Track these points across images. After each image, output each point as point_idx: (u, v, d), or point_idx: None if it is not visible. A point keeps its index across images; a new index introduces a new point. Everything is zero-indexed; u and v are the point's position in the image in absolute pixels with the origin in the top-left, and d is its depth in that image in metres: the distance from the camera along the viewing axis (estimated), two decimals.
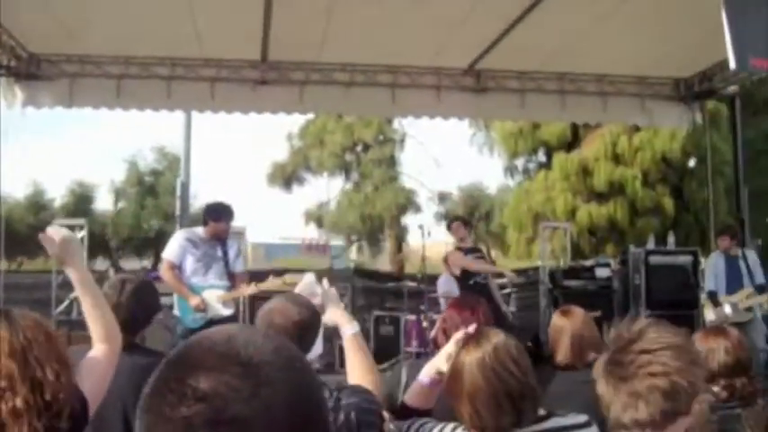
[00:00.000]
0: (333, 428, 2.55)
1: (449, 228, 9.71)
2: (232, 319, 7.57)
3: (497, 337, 2.65)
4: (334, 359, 10.44)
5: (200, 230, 7.58)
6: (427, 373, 2.79)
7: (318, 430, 1.10)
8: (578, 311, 3.79)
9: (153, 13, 8.37)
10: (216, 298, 7.39)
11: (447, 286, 11.37)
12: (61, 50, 9.62)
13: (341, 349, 7.26)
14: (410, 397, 2.87)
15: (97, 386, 2.63)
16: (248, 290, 7.53)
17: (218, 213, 7.51)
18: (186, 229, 7.93)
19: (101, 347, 2.70)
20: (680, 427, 2.07)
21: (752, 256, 9.77)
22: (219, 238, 7.50)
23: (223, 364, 1.04)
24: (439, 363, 2.74)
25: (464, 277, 9.22)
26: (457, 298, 3.92)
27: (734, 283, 9.60)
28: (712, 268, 9.93)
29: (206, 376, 1.03)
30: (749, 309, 9.37)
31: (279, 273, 7.77)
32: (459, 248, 9.48)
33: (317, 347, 3.01)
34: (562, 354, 3.61)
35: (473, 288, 8.87)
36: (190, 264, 7.39)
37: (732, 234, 9.87)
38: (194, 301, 7.24)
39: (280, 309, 2.92)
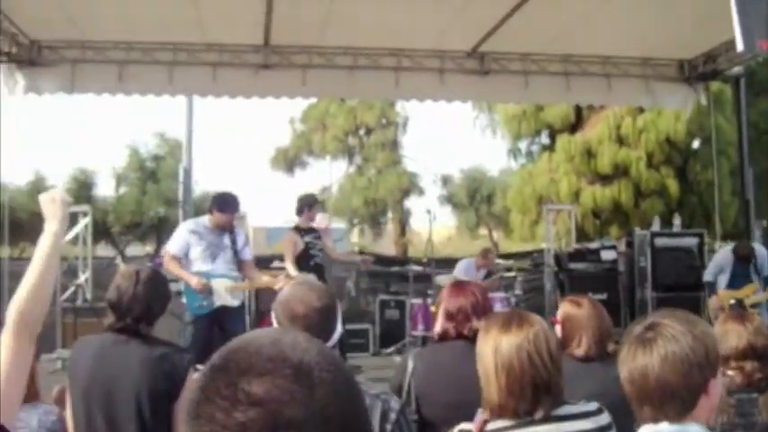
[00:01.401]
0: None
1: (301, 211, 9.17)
2: (239, 310, 7.56)
3: (540, 324, 2.67)
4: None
5: (204, 219, 7.59)
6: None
7: (364, 428, 1.12)
8: (590, 301, 3.76)
9: None
10: (225, 288, 7.39)
11: (464, 274, 11.36)
12: (62, 36, 9.57)
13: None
14: None
15: (4, 397, 2.16)
16: (274, 282, 7.44)
17: (224, 204, 7.52)
18: (191, 220, 7.93)
19: (6, 345, 2.24)
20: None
21: (761, 250, 9.68)
22: (224, 229, 7.50)
23: (274, 367, 1.03)
24: None
25: (304, 257, 8.93)
26: (455, 286, 3.87)
27: (740, 278, 9.53)
28: (719, 260, 9.88)
29: (259, 380, 1.02)
30: (754, 305, 9.28)
31: (281, 258, 7.77)
32: (297, 228, 9.16)
33: (338, 329, 2.99)
34: (584, 346, 3.57)
35: (312, 269, 8.71)
36: (196, 254, 7.39)
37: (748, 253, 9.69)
38: (196, 281, 7.22)
39: (299, 297, 2.88)
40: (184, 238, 7.46)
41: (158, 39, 9.72)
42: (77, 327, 10.21)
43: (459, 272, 11.27)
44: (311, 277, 8.14)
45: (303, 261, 8.81)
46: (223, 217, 7.44)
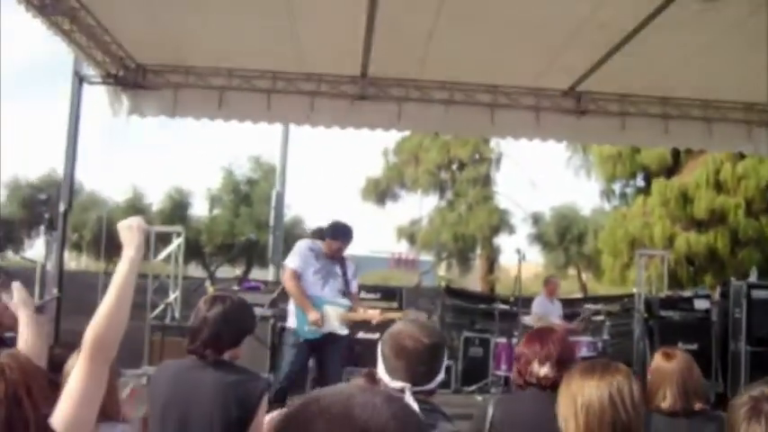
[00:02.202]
0: None
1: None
2: (342, 339, 7.50)
3: (625, 373, 2.66)
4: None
5: (320, 243, 7.56)
6: None
7: None
8: (683, 355, 3.66)
9: (256, 27, 8.50)
10: (336, 315, 7.36)
11: (541, 308, 11.27)
12: (167, 61, 9.86)
13: None
14: None
15: (76, 417, 2.28)
16: (371, 316, 7.44)
17: (338, 232, 7.52)
18: (307, 240, 7.88)
19: (82, 366, 2.35)
20: None
21: None
22: (334, 257, 7.48)
23: (336, 427, 1.02)
24: None
25: None
26: (529, 332, 3.81)
27: None
28: None
29: None
30: None
31: (369, 288, 7.76)
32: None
33: (442, 372, 2.95)
34: (669, 400, 3.48)
35: None
36: (309, 275, 7.36)
37: None
38: (313, 316, 7.19)
39: (408, 334, 2.87)
40: (305, 254, 7.42)
41: (258, 67, 9.90)
42: (164, 344, 10.39)
43: (537, 308, 11.20)
44: (422, 315, 8.15)
45: None
46: (334, 244, 7.42)
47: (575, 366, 2.77)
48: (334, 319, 7.35)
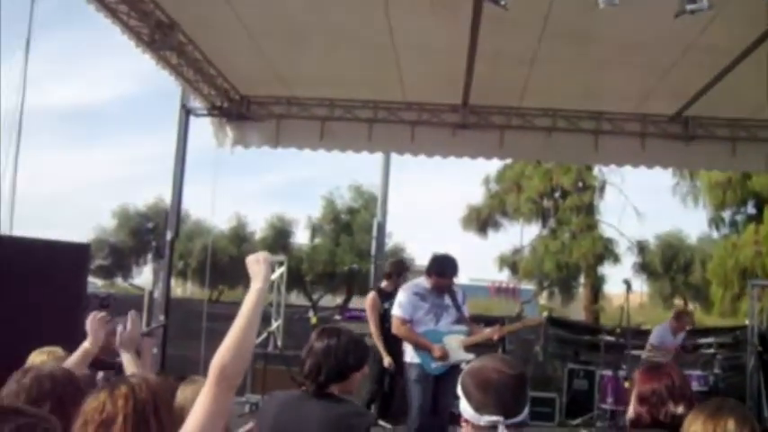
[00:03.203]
0: None
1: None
2: (460, 370, 7.42)
3: (738, 411, 2.61)
4: None
5: (423, 281, 7.48)
6: None
7: None
8: None
9: (359, 58, 8.60)
10: (458, 343, 7.28)
11: (659, 338, 10.91)
12: (270, 93, 10.04)
13: None
14: None
15: None
16: (491, 333, 7.41)
17: (443, 267, 7.41)
18: (410, 283, 7.80)
19: (207, 392, 2.43)
20: None
21: None
22: (443, 291, 7.41)
23: None
24: None
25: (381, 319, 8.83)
26: (649, 367, 3.66)
27: None
28: None
29: None
30: None
31: (470, 319, 7.66)
32: (379, 291, 9.31)
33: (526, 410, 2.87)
34: None
35: (386, 336, 8.58)
36: (421, 315, 7.30)
37: None
38: (438, 352, 7.14)
39: (491, 367, 2.81)
40: (411, 300, 7.36)
41: (360, 97, 10.00)
42: (267, 373, 10.47)
43: (655, 339, 10.83)
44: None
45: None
46: (442, 281, 7.34)
47: (699, 406, 2.66)
48: (458, 347, 7.27)
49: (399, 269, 9.55)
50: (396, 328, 7.41)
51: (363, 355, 3.88)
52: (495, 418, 2.66)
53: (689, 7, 5.28)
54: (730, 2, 6.34)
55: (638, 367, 8.72)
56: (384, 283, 9.42)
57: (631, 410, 3.48)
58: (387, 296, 8.98)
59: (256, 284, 2.68)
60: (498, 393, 2.70)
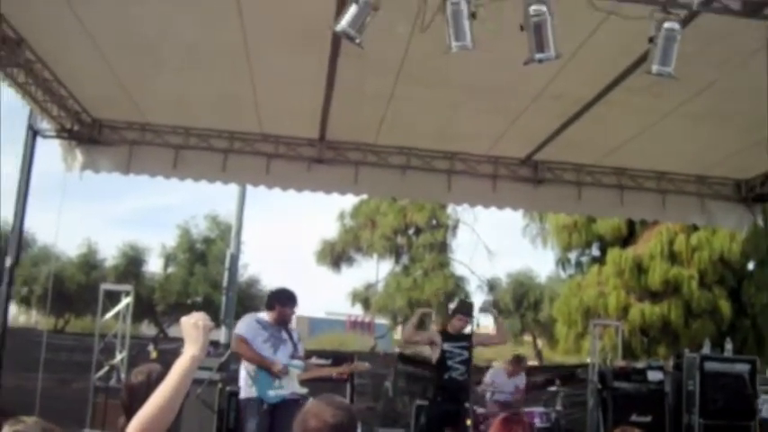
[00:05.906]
0: None
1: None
2: (297, 403, 7.40)
3: None
4: None
5: (264, 315, 7.66)
6: None
7: None
8: None
9: (215, 86, 8.47)
10: (294, 376, 7.40)
11: (491, 377, 11.13)
12: (123, 118, 9.76)
13: None
14: None
15: None
16: (324, 371, 7.80)
17: (286, 299, 7.66)
18: (251, 313, 8.02)
19: None
20: None
21: None
22: (284, 323, 7.62)
23: None
24: None
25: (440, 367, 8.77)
26: (501, 419, 3.73)
27: None
28: None
29: None
30: None
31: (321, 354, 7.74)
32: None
33: None
34: None
35: (446, 384, 8.63)
36: (258, 344, 7.38)
37: None
38: (277, 366, 7.25)
39: (314, 412, 2.75)
40: (252, 324, 7.52)
41: (216, 126, 9.85)
42: (108, 407, 10.09)
43: (489, 377, 11.06)
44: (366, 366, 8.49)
45: (438, 371, 8.77)
46: (284, 311, 7.58)
47: None
48: (294, 380, 7.38)
49: (464, 308, 9.29)
50: (237, 346, 7.46)
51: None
52: None
53: (537, 56, 5.44)
54: (578, 53, 6.62)
55: (487, 409, 8.90)
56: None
57: None
58: (449, 337, 8.77)
59: (191, 351, 2.53)
60: None
